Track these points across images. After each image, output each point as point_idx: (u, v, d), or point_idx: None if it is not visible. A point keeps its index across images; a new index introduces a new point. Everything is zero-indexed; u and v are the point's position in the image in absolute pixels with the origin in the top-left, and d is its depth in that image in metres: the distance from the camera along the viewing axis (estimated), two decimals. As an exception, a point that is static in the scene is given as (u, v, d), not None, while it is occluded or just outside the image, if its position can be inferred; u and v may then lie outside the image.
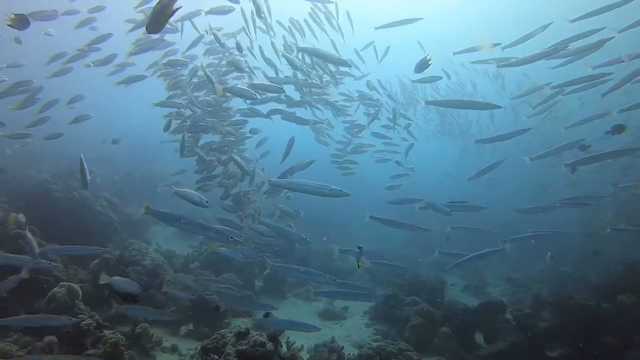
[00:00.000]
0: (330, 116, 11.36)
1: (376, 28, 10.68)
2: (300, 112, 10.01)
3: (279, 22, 10.12)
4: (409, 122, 12.58)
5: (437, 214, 9.38)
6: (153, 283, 8.49)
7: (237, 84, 9.05)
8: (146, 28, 3.82)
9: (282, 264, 7.22)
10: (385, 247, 17.19)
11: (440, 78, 10.13)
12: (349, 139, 11.92)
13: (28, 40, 9.70)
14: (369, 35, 10.98)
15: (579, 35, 8.25)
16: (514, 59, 8.56)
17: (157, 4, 3.69)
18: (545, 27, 8.82)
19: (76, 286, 6.77)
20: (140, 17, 9.29)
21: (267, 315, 6.94)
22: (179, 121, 9.44)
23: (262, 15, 8.08)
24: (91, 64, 9.50)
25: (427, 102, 8.32)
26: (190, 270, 10.60)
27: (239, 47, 8.41)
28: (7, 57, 10.05)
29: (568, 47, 8.12)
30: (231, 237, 5.94)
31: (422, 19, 10.42)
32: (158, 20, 3.71)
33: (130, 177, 17.26)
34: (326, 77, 10.17)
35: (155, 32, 3.98)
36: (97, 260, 8.40)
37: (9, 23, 5.90)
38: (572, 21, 8.92)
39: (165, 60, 9.13)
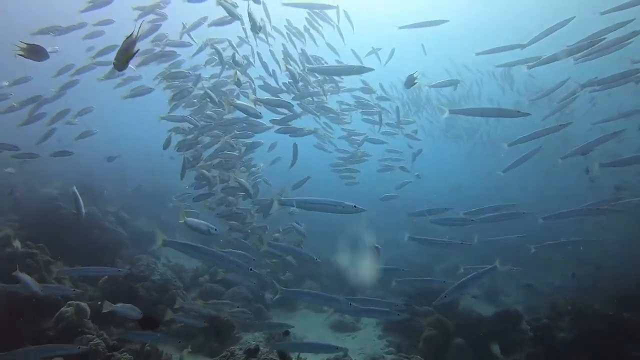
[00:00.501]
0: (327, 121, 11.23)
1: (400, 27, 10.41)
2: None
3: (276, 29, 10.04)
4: (415, 129, 12.39)
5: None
6: (162, 299, 8.43)
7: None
8: (113, 65, 4.17)
9: (294, 289, 7.09)
10: (396, 253, 16.91)
11: (458, 81, 9.87)
12: (356, 148, 11.70)
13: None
14: (369, 35, 10.78)
15: (610, 28, 7.73)
16: (543, 57, 8.08)
17: (122, 45, 4.06)
18: (566, 22, 8.41)
19: (84, 304, 6.68)
20: (144, 27, 9.23)
21: (286, 333, 6.86)
22: (183, 135, 9.35)
23: (259, 31, 8.00)
24: (103, 78, 9.46)
25: (452, 111, 7.50)
26: (200, 284, 10.53)
27: (237, 62, 8.35)
28: (13, 71, 10.06)
29: (603, 40, 7.56)
30: (250, 269, 5.87)
31: (448, 20, 10.08)
32: (122, 60, 4.09)
33: (140, 190, 17.24)
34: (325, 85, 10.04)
35: (121, 70, 4.43)
36: (106, 276, 8.34)
37: (20, 53, 5.07)
38: (603, 14, 8.49)
39: (166, 74, 9.07)
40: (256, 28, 7.78)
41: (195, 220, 6.55)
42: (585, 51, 7.79)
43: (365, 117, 11.50)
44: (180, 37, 9.41)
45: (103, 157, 13.66)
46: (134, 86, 9.71)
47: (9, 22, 26.46)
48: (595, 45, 7.66)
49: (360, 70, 8.15)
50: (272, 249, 7.75)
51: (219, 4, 7.90)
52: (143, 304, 8.19)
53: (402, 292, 11.39)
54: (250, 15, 7.55)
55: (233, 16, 8.17)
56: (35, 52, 5.04)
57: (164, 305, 8.27)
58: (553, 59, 7.93)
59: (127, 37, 4.04)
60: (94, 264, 8.49)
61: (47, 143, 9.82)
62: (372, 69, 8.09)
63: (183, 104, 9.76)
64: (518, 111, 6.71)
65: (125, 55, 4.03)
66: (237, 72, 8.10)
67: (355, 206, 5.14)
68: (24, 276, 5.95)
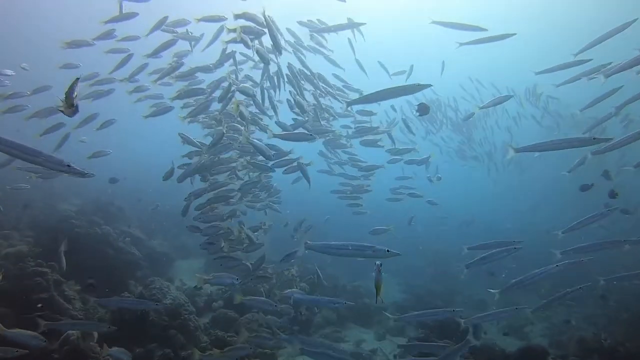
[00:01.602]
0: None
1: (460, 44, 9.82)
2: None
3: (287, 50, 9.80)
4: (430, 154, 11.98)
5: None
6: (173, 323, 8.18)
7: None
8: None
9: (314, 345, 6.87)
10: (415, 281, 16.53)
11: (511, 96, 9.43)
12: (370, 173, 11.27)
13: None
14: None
15: None
16: (619, 64, 7.14)
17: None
18: (628, 24, 7.79)
19: (92, 328, 6.52)
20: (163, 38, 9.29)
21: None
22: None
23: (269, 62, 8.09)
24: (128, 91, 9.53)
25: (518, 150, 6.49)
26: (213, 309, 10.25)
27: (247, 93, 8.24)
28: (35, 81, 10.11)
29: None
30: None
31: (515, 34, 9.16)
32: (68, 102, 4.56)
33: (157, 211, 17.13)
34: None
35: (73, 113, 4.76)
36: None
37: (61, 108, 4.88)
38: None
39: (182, 91, 8.96)
40: (266, 60, 8.04)
41: (217, 274, 7.49)
42: None
43: (364, 142, 10.64)
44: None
45: (123, 174, 13.54)
46: (154, 104, 9.67)
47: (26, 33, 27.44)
48: None
49: (416, 88, 6.75)
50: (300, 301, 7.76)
51: (238, 36, 7.87)
52: (154, 328, 7.98)
53: (422, 323, 10.89)
54: (260, 54, 7.79)
55: (249, 47, 8.10)
56: (73, 108, 5.04)
57: (175, 331, 8.04)
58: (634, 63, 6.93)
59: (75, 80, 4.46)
60: (108, 285, 8.41)
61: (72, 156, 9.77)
62: (431, 85, 6.73)
63: (202, 125, 9.67)
64: (594, 138, 5.91)
65: (68, 99, 4.46)
66: (240, 106, 7.98)
67: (388, 250, 4.75)
68: (14, 333, 5.55)
